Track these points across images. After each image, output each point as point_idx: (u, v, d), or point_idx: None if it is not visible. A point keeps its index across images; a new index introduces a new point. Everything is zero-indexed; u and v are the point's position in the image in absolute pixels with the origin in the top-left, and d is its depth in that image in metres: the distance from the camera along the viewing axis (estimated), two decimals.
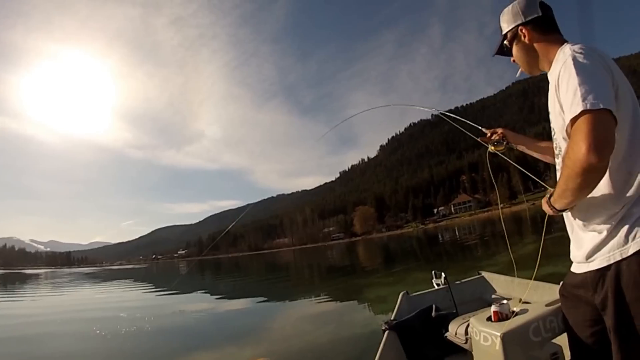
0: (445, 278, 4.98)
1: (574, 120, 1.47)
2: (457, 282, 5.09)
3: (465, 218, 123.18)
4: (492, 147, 2.45)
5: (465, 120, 2.83)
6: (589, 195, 1.58)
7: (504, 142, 2.45)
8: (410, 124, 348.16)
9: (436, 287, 5.22)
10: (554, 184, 1.72)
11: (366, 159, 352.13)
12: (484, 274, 5.23)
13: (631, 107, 1.58)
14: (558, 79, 1.62)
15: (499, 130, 2.52)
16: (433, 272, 5.32)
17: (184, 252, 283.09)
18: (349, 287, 16.09)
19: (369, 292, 12.96)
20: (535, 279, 3.18)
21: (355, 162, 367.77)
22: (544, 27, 1.88)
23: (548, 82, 1.72)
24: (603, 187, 1.58)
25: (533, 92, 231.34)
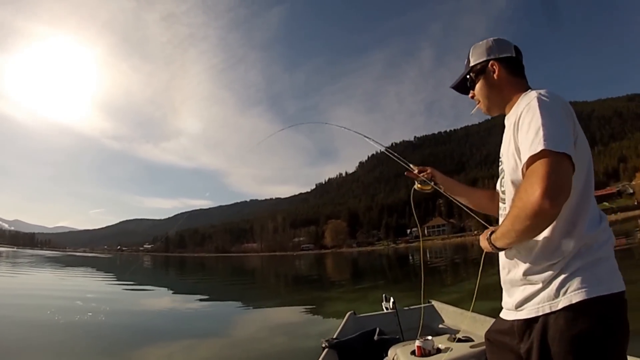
0: (393, 303, 4.95)
1: (532, 159, 1.43)
2: (406, 307, 5.12)
3: (437, 241, 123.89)
4: (418, 185, 2.37)
5: (397, 157, 2.73)
6: (532, 246, 1.58)
7: (431, 182, 2.33)
8: (392, 144, 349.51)
9: (385, 310, 5.19)
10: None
11: (344, 174, 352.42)
12: (434, 302, 5.30)
13: (587, 160, 1.57)
14: (519, 119, 1.57)
15: (428, 169, 2.42)
16: (383, 295, 5.33)
17: (149, 246, 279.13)
18: (312, 299, 16.04)
19: (330, 307, 12.96)
20: (487, 313, 3.17)
21: (333, 175, 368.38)
22: (514, 69, 1.84)
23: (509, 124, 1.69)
24: (545, 234, 1.55)
25: None
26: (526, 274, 1.62)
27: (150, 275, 32.91)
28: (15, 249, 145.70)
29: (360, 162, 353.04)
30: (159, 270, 39.49)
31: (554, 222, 1.49)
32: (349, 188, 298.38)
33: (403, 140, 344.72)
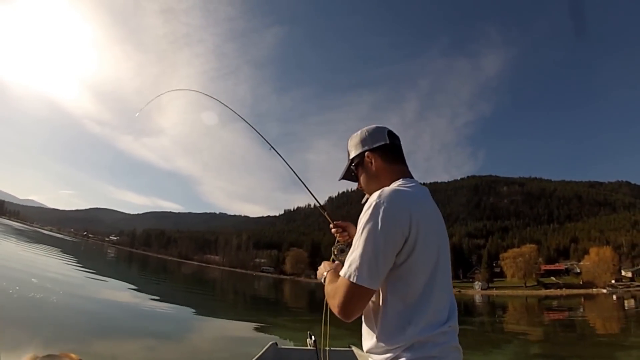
0: (314, 342, 5.05)
1: (342, 277, 1.57)
2: (328, 348, 5.21)
3: None
4: (334, 256, 2.20)
5: (318, 203, 2.66)
6: (373, 329, 1.65)
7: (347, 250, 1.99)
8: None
9: (308, 347, 5.31)
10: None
11: (312, 205, 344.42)
12: (354, 348, 5.27)
13: (431, 263, 1.60)
14: (358, 221, 1.62)
15: (347, 228, 2.34)
16: (308, 332, 5.43)
17: (115, 238, 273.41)
18: (265, 319, 16.17)
19: (278, 331, 13.02)
20: None
21: (303, 205, 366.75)
22: (391, 156, 1.86)
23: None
24: (383, 324, 1.62)
25: (483, 190, 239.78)
26: (368, 351, 1.70)
27: (112, 267, 32.46)
28: None
29: (330, 197, 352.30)
30: (122, 265, 38.86)
31: (390, 315, 1.59)
32: (316, 220, 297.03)
33: None
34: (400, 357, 1.56)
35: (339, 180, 2.08)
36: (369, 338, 1.69)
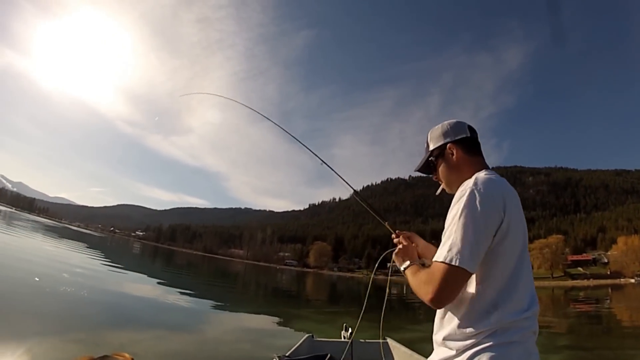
0: (350, 334, 4.99)
1: (437, 262, 1.57)
2: (362, 340, 5.10)
3: None
4: (393, 263, 2.16)
5: (379, 218, 2.58)
6: (455, 315, 1.66)
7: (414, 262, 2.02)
8: (387, 179, 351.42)
9: (342, 338, 5.23)
10: None
11: (337, 199, 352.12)
12: (389, 340, 5.25)
13: (519, 248, 1.63)
14: (451, 208, 1.65)
15: (410, 235, 2.31)
16: (344, 324, 5.35)
17: (141, 233, 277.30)
18: (284, 312, 16.06)
19: (298, 324, 12.89)
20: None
21: (327, 199, 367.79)
22: (470, 149, 1.90)
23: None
24: (467, 309, 1.63)
25: (509, 181, 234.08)
26: (445, 339, 1.67)
27: (137, 261, 32.75)
28: (14, 210, 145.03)
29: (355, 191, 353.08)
30: (147, 259, 39.23)
31: (476, 300, 1.61)
32: (340, 214, 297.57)
33: (398, 177, 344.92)
34: (483, 344, 1.57)
35: (415, 171, 2.11)
36: (448, 325, 1.69)
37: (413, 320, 17.21)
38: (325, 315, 16.42)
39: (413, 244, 2.19)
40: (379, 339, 4.76)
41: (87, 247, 33.60)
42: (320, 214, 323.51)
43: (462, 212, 1.57)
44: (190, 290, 17.10)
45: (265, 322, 12.10)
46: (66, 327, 6.56)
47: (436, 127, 2.00)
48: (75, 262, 19.18)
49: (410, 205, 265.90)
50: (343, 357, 4.45)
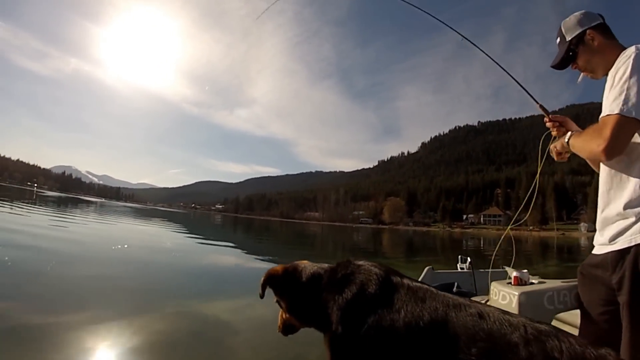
0: (470, 263, 5.02)
1: (607, 115, 1.62)
2: (481, 270, 5.08)
3: (492, 231, 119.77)
4: (558, 147, 2.14)
5: (534, 99, 2.50)
6: (626, 184, 1.70)
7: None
8: (455, 127, 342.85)
9: (459, 270, 5.25)
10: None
11: (406, 153, 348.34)
12: (507, 269, 5.22)
13: None
14: (615, 71, 1.70)
15: (563, 120, 2.31)
16: (459, 256, 5.36)
17: (220, 206, 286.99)
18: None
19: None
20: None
21: (396, 154, 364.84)
22: (609, 32, 1.95)
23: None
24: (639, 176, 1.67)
25: (586, 120, 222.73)
26: (620, 210, 1.71)
27: (220, 232, 33.85)
28: (103, 200, 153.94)
29: (423, 143, 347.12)
30: (228, 229, 40.49)
31: None
32: (410, 168, 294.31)
33: (467, 124, 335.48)
34: None
35: (551, 66, 2.16)
36: (617, 197, 1.75)
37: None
38: (411, 263, 16.48)
39: (563, 129, 2.26)
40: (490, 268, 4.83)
41: (173, 224, 35.16)
42: (390, 170, 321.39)
43: (632, 70, 1.61)
44: (272, 255, 17.50)
45: None
46: (163, 299, 6.87)
47: (567, 19, 2.05)
48: (165, 238, 20.13)
49: (482, 152, 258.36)
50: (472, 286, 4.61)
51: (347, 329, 1.54)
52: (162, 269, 10.15)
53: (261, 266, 13.45)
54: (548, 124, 2.32)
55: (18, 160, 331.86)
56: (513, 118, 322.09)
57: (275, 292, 1.94)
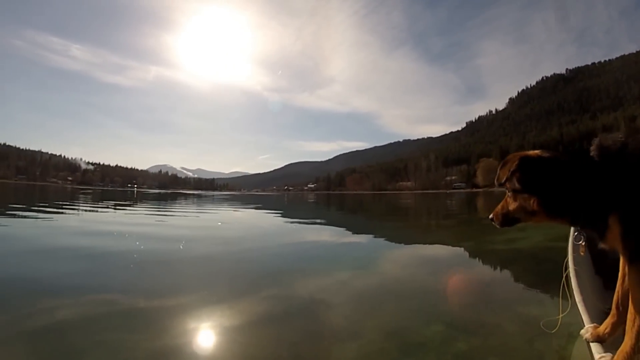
0: None
1: None
2: None
3: None
4: None
5: None
6: None
7: None
8: (542, 78, 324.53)
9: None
10: None
11: (494, 111, 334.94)
12: None
13: None
14: None
15: None
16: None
17: (313, 185, 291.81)
18: (467, 231, 15.60)
19: (493, 236, 12.23)
20: None
21: (483, 113, 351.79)
22: None
23: None
24: None
25: None
26: None
27: (313, 210, 34.19)
28: (200, 192, 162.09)
29: (510, 99, 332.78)
30: (321, 207, 40.89)
31: None
32: (500, 126, 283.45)
33: (554, 74, 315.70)
34: None
35: None
36: None
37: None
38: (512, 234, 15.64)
39: None
40: None
41: (268, 208, 35.92)
42: (479, 130, 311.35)
43: None
44: (365, 230, 17.28)
45: (439, 250, 11.62)
46: (262, 278, 6.82)
47: None
48: (267, 222, 20.49)
49: (574, 101, 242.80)
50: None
51: None
52: (258, 249, 10.33)
53: (353, 240, 13.26)
54: None
55: (117, 165, 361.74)
56: (602, 61, 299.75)
57: (525, 180, 1.83)
